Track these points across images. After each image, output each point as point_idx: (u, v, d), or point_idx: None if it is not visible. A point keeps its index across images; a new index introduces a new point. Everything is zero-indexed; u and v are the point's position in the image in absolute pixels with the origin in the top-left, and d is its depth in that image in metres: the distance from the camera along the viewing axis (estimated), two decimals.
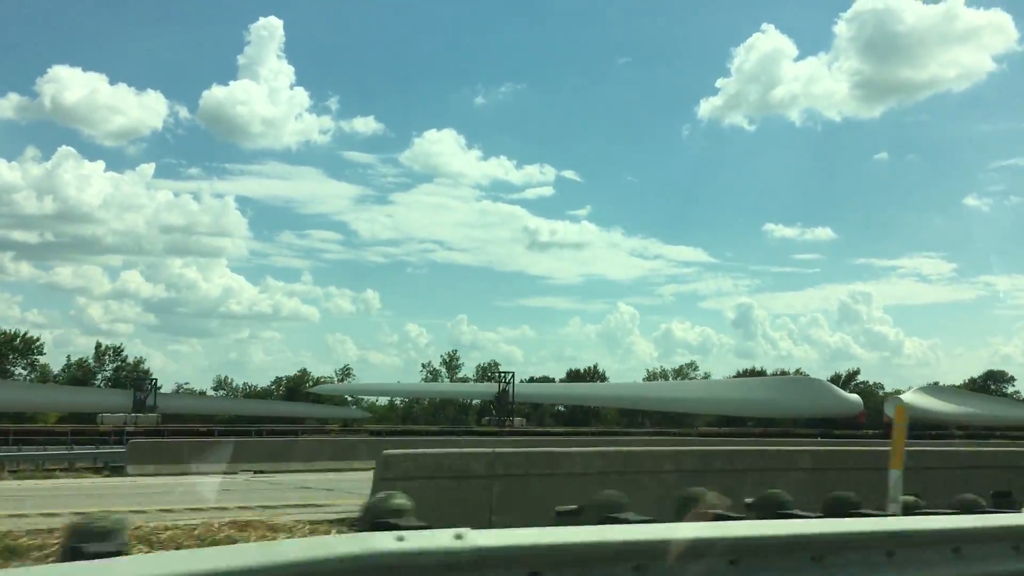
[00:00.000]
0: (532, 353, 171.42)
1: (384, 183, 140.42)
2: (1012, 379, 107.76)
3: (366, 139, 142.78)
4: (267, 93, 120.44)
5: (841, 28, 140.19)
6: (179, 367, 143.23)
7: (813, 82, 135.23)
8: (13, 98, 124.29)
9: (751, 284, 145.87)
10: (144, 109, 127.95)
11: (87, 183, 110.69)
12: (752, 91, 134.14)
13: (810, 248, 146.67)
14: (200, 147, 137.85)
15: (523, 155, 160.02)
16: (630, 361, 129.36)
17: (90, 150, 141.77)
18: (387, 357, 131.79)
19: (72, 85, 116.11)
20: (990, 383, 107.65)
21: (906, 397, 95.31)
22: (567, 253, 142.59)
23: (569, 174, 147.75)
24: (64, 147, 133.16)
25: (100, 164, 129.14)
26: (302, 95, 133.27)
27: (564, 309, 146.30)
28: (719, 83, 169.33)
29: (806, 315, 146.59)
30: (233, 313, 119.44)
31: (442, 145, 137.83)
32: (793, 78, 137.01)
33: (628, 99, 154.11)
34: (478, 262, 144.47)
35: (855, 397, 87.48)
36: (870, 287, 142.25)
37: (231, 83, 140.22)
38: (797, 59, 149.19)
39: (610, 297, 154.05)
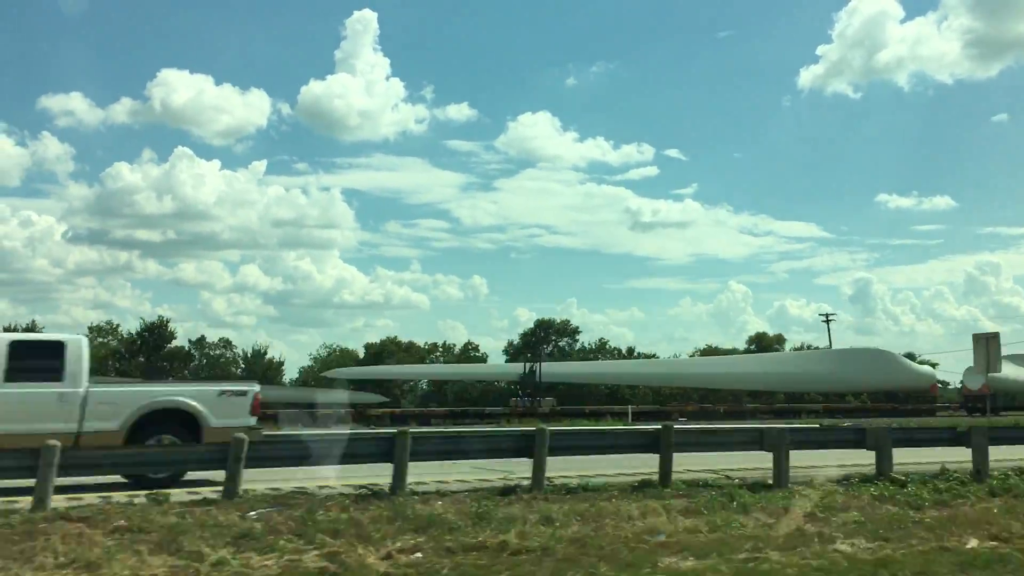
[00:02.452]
0: (643, 335, 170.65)
1: (488, 170, 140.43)
2: None
3: (460, 126, 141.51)
4: (364, 86, 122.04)
5: None
6: (300, 356, 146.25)
7: (921, 43, 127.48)
8: (126, 102, 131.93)
9: (869, 258, 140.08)
10: (248, 107, 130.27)
11: (202, 182, 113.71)
12: (856, 57, 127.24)
13: (929, 218, 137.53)
14: (303, 142, 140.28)
15: (619, 135, 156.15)
16: (742, 339, 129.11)
17: (200, 150, 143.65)
18: (499, 342, 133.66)
19: (180, 87, 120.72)
20: None
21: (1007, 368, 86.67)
22: (672, 232, 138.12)
23: (673, 152, 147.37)
24: (180, 148, 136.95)
25: (215, 163, 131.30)
26: (398, 86, 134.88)
27: (674, 290, 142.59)
28: (820, 50, 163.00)
29: (929, 288, 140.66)
30: (347, 303, 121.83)
31: (537, 128, 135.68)
32: (900, 40, 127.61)
33: (725, 72, 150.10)
34: (585, 245, 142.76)
35: (927, 369, 78.79)
36: (998, 257, 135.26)
37: (328, 77, 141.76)
38: (904, 20, 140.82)
39: (721, 276, 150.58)
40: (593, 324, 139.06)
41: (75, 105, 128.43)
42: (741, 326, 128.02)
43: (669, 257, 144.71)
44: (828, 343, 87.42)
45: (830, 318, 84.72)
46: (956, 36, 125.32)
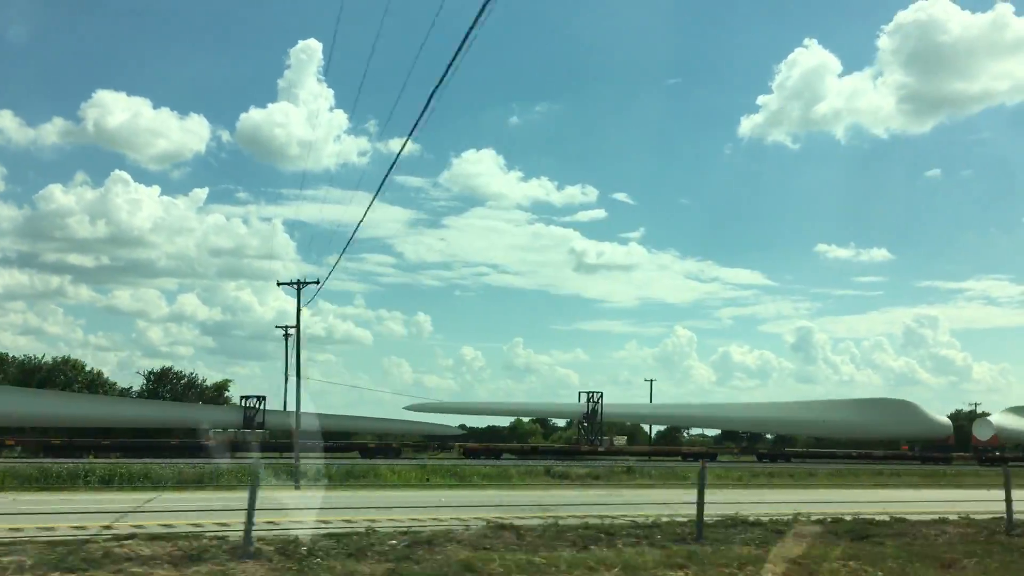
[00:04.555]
0: (587, 376, 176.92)
1: (435, 207, 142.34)
2: None
3: (403, 160, 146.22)
4: (306, 115, 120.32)
5: (884, 41, 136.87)
6: (241, 388, 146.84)
7: (858, 97, 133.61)
8: (58, 122, 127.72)
9: (811, 307, 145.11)
10: (186, 132, 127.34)
11: (138, 207, 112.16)
12: (795, 108, 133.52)
13: (868, 270, 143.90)
14: (242, 170, 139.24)
15: (564, 176, 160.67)
16: (687, 385, 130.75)
17: (136, 174, 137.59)
18: (443, 380, 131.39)
19: (115, 109, 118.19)
20: None
21: (994, 418, 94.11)
22: (617, 275, 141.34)
23: (621, 196, 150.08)
24: (116, 171, 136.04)
25: (154, 189, 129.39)
26: (341, 117, 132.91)
27: (620, 332, 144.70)
28: (760, 100, 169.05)
29: (869, 339, 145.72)
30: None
31: (481, 165, 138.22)
32: (837, 93, 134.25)
33: (670, 118, 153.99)
34: (532, 285, 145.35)
35: (945, 420, 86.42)
36: (936, 310, 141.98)
37: (269, 105, 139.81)
38: (841, 75, 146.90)
39: (667, 320, 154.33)
40: (538, 364, 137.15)
41: (4, 123, 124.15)
42: (686, 371, 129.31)
43: (616, 300, 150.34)
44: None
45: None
46: (891, 91, 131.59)
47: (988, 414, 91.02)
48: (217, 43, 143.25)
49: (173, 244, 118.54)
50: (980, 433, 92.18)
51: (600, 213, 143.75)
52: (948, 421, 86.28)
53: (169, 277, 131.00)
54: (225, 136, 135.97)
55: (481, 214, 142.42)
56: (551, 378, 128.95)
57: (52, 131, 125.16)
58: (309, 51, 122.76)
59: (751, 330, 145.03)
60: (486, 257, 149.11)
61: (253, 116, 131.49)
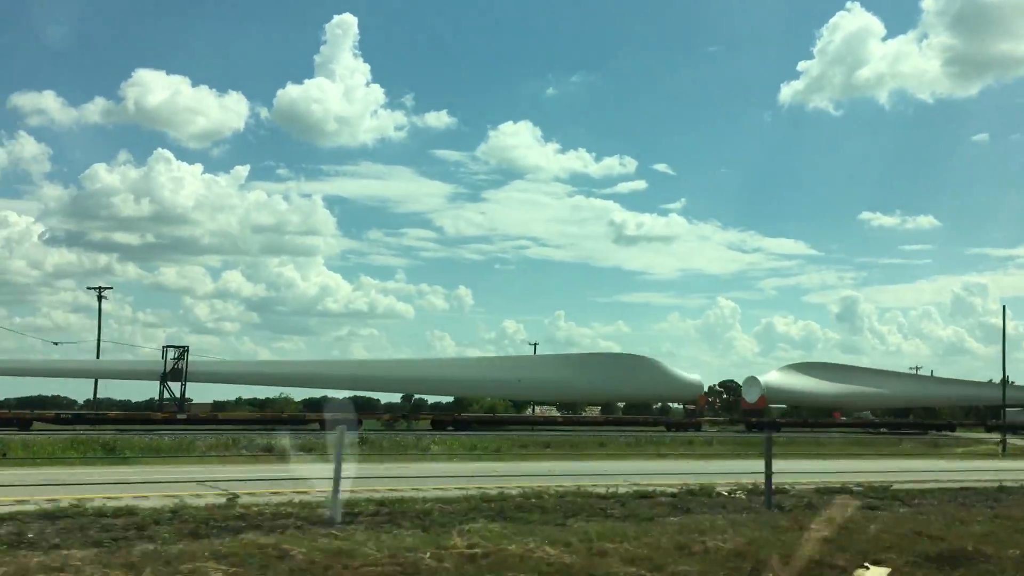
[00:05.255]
0: (629, 348, 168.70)
1: (475, 180, 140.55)
2: None
3: (440, 134, 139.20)
4: (343, 91, 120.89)
5: (929, 2, 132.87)
6: None
7: (902, 61, 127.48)
8: (100, 102, 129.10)
9: (856, 277, 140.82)
10: (225, 110, 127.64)
11: (180, 185, 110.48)
12: (837, 73, 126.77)
13: (915, 238, 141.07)
14: (280, 147, 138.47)
15: (601, 147, 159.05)
16: (730, 356, 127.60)
17: (176, 152, 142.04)
18: (485, 353, 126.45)
19: (155, 88, 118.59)
20: None
21: (764, 377, 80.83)
22: (657, 247, 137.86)
23: (661, 167, 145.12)
24: (159, 150, 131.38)
25: (196, 167, 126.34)
26: (377, 92, 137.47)
27: (662, 304, 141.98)
28: (801, 66, 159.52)
29: (917, 308, 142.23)
30: (331, 311, 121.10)
31: (518, 138, 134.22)
32: (880, 57, 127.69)
33: (708, 86, 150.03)
34: (573, 258, 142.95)
35: (694, 378, 71.71)
36: (985, 278, 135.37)
37: (306, 82, 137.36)
38: (885, 38, 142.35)
39: (709, 292, 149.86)
40: (580, 337, 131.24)
41: (48, 104, 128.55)
42: (728, 342, 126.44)
43: (657, 272, 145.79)
44: None
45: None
46: (936, 54, 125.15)
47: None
48: (253, 20, 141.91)
49: (215, 221, 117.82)
50: (748, 395, 78.32)
51: (639, 184, 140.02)
52: (698, 380, 71.65)
53: (213, 254, 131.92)
54: (263, 113, 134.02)
55: (520, 187, 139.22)
56: (593, 351, 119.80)
57: (94, 111, 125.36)
58: (344, 26, 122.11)
59: (795, 300, 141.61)
60: (526, 230, 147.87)
61: (290, 92, 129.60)
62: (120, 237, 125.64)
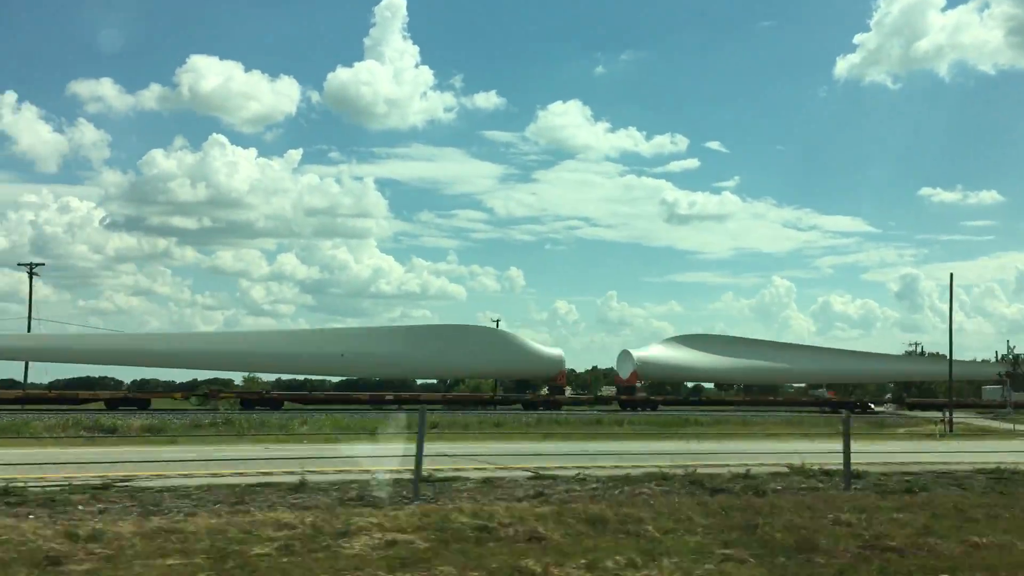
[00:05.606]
0: (683, 328, 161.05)
1: (526, 161, 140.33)
2: None
3: (489, 115, 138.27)
4: (392, 73, 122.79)
5: None
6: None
7: (962, 31, 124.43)
8: (155, 88, 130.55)
9: (916, 254, 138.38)
10: (277, 95, 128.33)
11: (235, 170, 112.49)
12: (895, 46, 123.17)
13: (977, 214, 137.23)
14: (332, 130, 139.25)
15: (652, 125, 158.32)
16: (786, 336, 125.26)
17: (230, 137, 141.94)
18: (537, 334, 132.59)
19: (209, 74, 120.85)
20: None
21: (650, 350, 74.39)
22: (710, 225, 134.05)
23: (714, 145, 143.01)
24: (214, 135, 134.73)
25: (250, 151, 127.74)
26: (427, 73, 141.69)
27: (715, 284, 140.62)
28: (858, 39, 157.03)
29: (980, 286, 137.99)
30: (383, 292, 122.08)
31: (567, 117, 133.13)
32: (940, 28, 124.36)
33: (760, 62, 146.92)
34: (625, 238, 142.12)
35: (554, 353, 64.38)
36: None
37: (355, 64, 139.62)
38: (945, 8, 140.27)
39: (764, 270, 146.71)
40: (632, 317, 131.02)
41: (105, 91, 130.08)
42: (784, 322, 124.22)
43: (710, 251, 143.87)
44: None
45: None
46: (998, 24, 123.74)
47: None
48: (304, 3, 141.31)
49: (270, 205, 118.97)
50: (621, 370, 71.64)
51: (692, 163, 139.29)
52: (559, 354, 64.26)
53: (268, 237, 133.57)
54: (315, 97, 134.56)
55: (571, 167, 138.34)
56: (646, 331, 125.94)
57: (150, 97, 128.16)
58: (393, 8, 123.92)
59: (853, 279, 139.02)
60: (577, 210, 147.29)
61: (340, 75, 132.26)
62: (178, 221, 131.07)
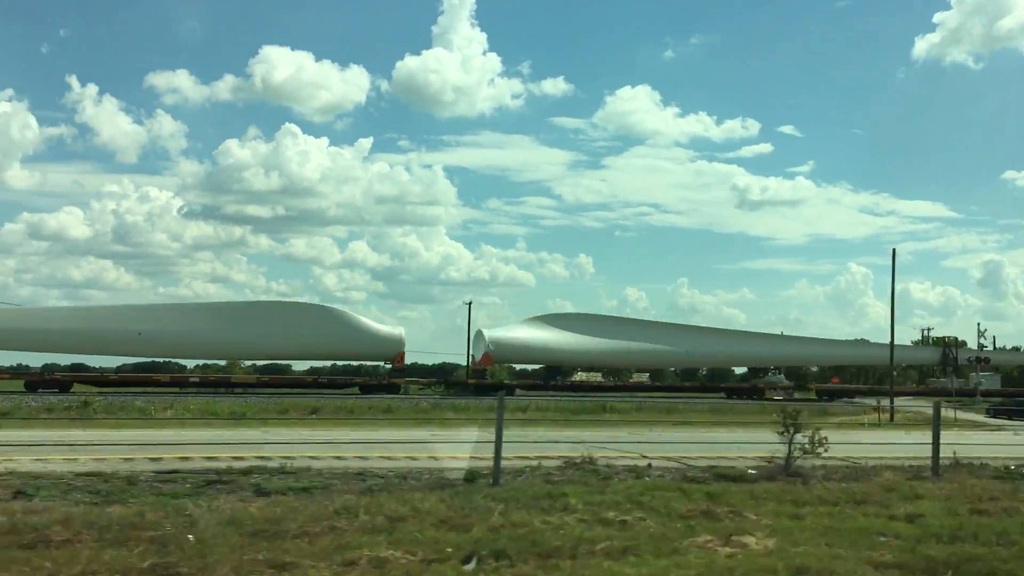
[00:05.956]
0: (755, 316, 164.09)
1: (595, 147, 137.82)
2: None
3: (557, 101, 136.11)
4: (460, 60, 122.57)
5: None
6: (412, 332, 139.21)
7: None
8: (229, 79, 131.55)
9: (1000, 240, 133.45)
10: (347, 84, 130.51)
11: (307, 159, 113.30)
12: (976, 24, 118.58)
13: None
14: (400, 118, 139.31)
15: (722, 110, 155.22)
16: (863, 324, 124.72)
17: (303, 127, 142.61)
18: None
19: (280, 64, 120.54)
20: None
21: (506, 330, 70.83)
22: (783, 211, 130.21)
23: (787, 129, 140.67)
24: (287, 124, 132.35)
25: (322, 140, 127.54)
26: (494, 60, 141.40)
27: (789, 271, 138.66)
28: (937, 18, 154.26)
29: None
30: (453, 280, 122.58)
31: (636, 103, 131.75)
32: None
33: (835, 43, 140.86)
34: (695, 224, 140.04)
35: (393, 332, 60.22)
36: None
37: (423, 52, 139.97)
38: None
39: (839, 257, 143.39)
40: (703, 304, 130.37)
41: (181, 82, 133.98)
42: (860, 309, 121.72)
43: (783, 237, 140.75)
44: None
45: None
46: None
47: None
48: None
49: (341, 193, 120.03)
50: (476, 351, 67.79)
51: (764, 147, 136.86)
52: (398, 334, 60.08)
53: (339, 225, 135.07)
54: (384, 86, 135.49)
55: (641, 153, 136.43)
56: (717, 318, 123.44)
57: (224, 88, 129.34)
58: None
59: (933, 265, 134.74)
60: (647, 197, 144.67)
61: (408, 64, 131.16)
62: (252, 210, 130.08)
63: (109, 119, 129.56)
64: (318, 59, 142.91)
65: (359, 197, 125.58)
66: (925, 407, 46.82)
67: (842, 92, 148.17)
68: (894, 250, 45.08)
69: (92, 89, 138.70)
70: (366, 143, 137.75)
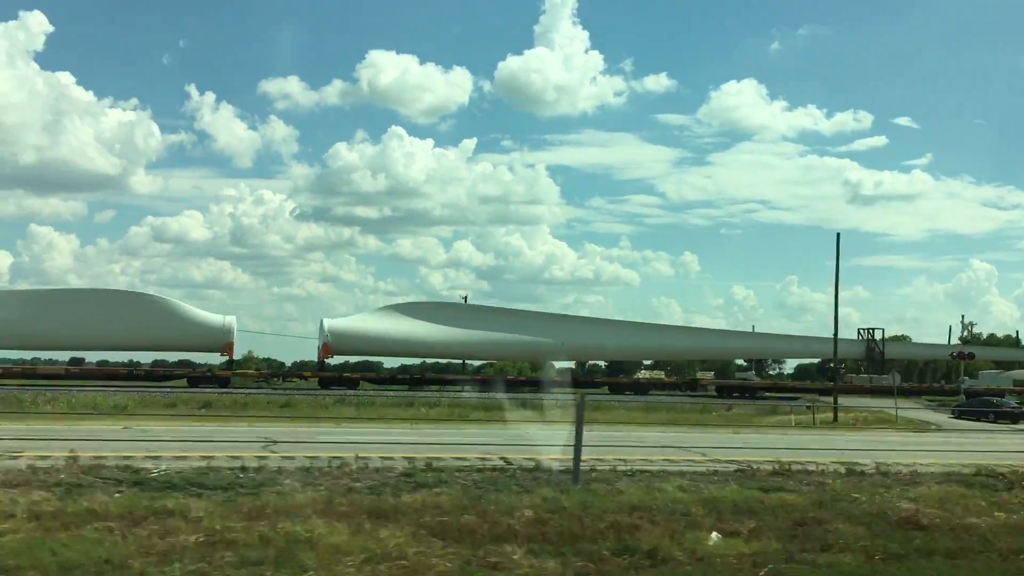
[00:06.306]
0: (870, 315, 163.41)
1: (700, 144, 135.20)
2: None
3: (659, 97, 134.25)
4: (562, 59, 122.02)
5: None
6: None
7: None
8: (337, 84, 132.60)
9: None
10: (451, 85, 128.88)
11: (412, 160, 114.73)
12: None
13: None
14: (503, 118, 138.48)
15: (833, 102, 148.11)
16: (987, 323, 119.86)
17: (408, 129, 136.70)
18: (713, 320, 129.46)
19: (386, 68, 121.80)
20: None
21: (348, 319, 69.18)
22: (898, 206, 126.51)
23: (903, 120, 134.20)
24: (393, 127, 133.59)
25: (427, 142, 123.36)
26: (596, 58, 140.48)
27: (905, 268, 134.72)
28: None
29: None
30: (557, 278, 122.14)
31: (741, 97, 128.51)
32: None
33: (953, 30, 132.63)
34: (805, 220, 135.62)
35: (221, 320, 58.15)
36: None
37: (525, 52, 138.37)
38: None
39: (960, 253, 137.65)
40: (814, 303, 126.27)
41: (292, 88, 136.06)
42: (984, 308, 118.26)
43: (899, 233, 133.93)
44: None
45: None
46: None
47: None
48: None
49: (445, 194, 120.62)
50: (321, 342, 65.84)
51: (878, 140, 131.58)
52: (226, 322, 58.03)
53: (444, 225, 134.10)
54: (486, 86, 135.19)
55: (747, 149, 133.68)
56: (828, 316, 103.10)
57: (332, 92, 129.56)
58: None
59: None
60: (754, 193, 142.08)
61: (510, 64, 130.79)
62: (360, 211, 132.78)
63: (226, 126, 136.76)
64: (422, 62, 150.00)
65: (463, 197, 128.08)
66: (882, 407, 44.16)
67: (962, 80, 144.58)
68: (838, 235, 44.95)
69: (210, 97, 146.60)
70: (470, 144, 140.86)
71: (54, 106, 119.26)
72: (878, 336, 69.23)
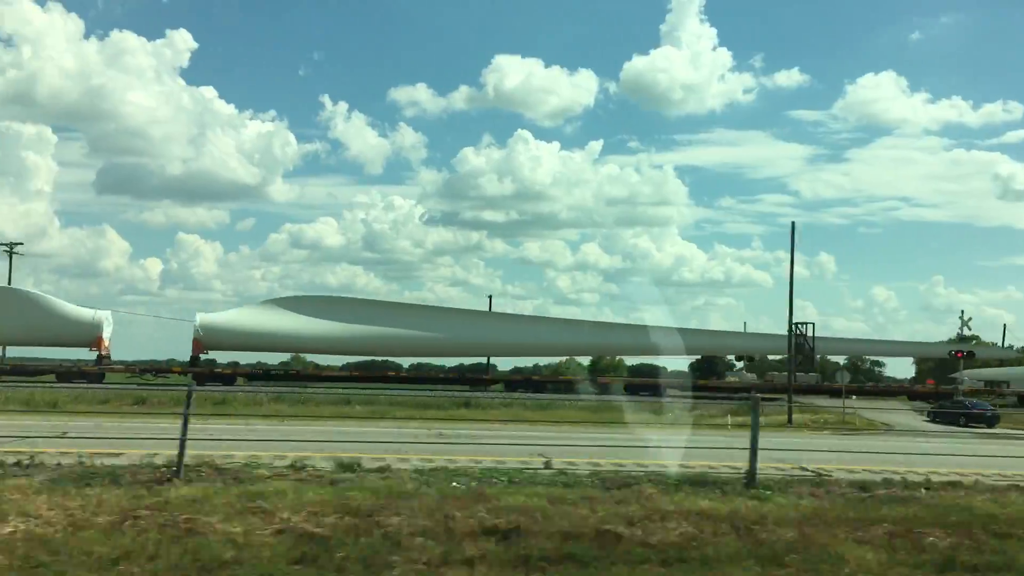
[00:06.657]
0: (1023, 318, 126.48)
1: (836, 140, 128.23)
2: None
3: (791, 93, 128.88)
4: (688, 57, 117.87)
5: None
6: None
7: None
8: (464, 90, 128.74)
9: None
10: (576, 87, 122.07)
11: (538, 163, 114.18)
12: None
13: None
14: (629, 119, 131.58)
15: (980, 93, 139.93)
16: None
17: (534, 132, 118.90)
18: (851, 323, 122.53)
19: (511, 72, 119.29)
20: None
21: (227, 313, 66.35)
22: None
23: None
24: (520, 131, 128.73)
25: (553, 145, 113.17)
26: (725, 55, 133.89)
27: None
28: None
29: None
30: (686, 280, 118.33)
31: (879, 91, 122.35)
32: None
33: None
34: (951, 218, 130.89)
35: (91, 314, 54.78)
36: None
37: (651, 52, 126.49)
38: None
39: None
40: (962, 304, 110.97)
41: (419, 95, 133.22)
42: None
43: None
44: None
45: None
46: None
47: None
48: None
49: (572, 196, 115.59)
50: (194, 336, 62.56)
51: None
52: (97, 316, 54.70)
53: (571, 228, 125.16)
54: (611, 87, 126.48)
55: (888, 144, 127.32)
56: (978, 319, 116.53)
57: (459, 98, 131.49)
58: None
59: None
60: (895, 190, 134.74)
61: (636, 64, 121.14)
62: (488, 215, 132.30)
63: (357, 134, 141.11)
64: (547, 65, 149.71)
65: (590, 199, 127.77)
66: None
67: None
68: (793, 223, 42.32)
69: (342, 106, 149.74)
70: (596, 145, 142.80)
71: (198, 119, 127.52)
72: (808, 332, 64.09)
